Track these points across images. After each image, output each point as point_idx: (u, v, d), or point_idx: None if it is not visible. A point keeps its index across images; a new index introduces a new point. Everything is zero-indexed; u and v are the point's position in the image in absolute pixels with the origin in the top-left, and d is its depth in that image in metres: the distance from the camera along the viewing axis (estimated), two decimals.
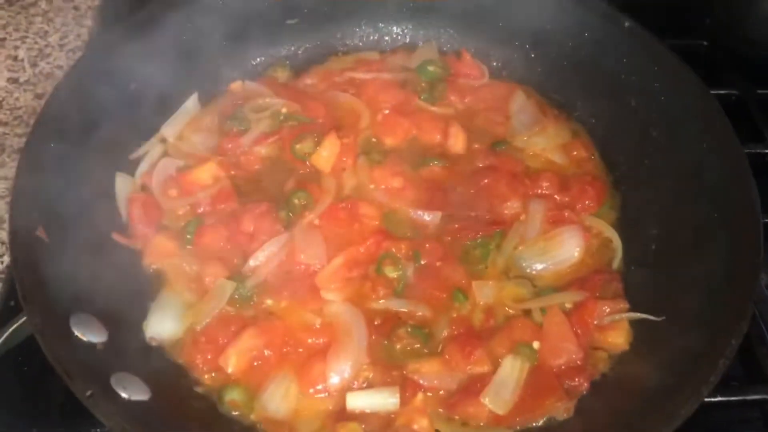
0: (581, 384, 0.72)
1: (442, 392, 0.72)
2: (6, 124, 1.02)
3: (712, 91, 1.09)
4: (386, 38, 1.09)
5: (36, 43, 1.15)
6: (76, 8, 1.22)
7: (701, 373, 0.60)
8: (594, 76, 0.97)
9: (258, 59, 1.05)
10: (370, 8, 1.07)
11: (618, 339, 0.75)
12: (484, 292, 0.80)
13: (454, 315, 0.78)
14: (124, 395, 0.60)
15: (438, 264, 0.82)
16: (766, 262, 0.92)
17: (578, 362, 0.73)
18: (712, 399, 0.76)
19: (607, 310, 0.76)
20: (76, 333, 0.64)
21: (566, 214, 0.87)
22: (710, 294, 0.70)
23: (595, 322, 0.76)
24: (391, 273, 0.80)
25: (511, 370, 0.72)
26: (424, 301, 0.79)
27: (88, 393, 0.56)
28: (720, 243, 0.73)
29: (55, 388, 0.72)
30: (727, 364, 0.60)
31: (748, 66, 1.15)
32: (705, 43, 1.20)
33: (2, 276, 0.86)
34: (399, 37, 1.09)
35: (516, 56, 1.04)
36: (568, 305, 0.78)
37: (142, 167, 0.89)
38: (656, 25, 1.06)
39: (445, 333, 0.76)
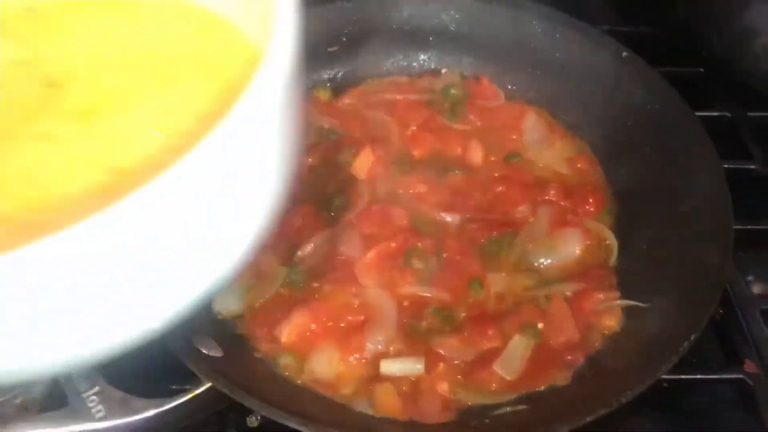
0: (578, 358, 0.84)
1: (460, 363, 0.84)
2: None
3: (706, 113, 1.23)
4: (414, 64, 1.24)
5: None
6: None
7: (668, 352, 0.73)
8: (596, 99, 1.10)
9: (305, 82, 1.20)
10: (401, 38, 1.23)
11: (610, 322, 0.88)
12: (497, 282, 0.93)
13: (471, 300, 0.91)
14: (203, 350, 0.75)
15: (458, 258, 0.95)
16: (754, 264, 1.06)
17: (576, 340, 0.86)
18: (693, 376, 0.89)
19: (602, 298, 0.89)
20: None
21: (569, 217, 1.00)
22: (686, 287, 0.83)
23: (591, 308, 0.89)
24: (417, 265, 0.94)
25: (519, 345, 0.85)
26: (445, 288, 0.92)
27: (178, 345, 0.71)
28: (698, 246, 0.86)
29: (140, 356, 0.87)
30: (688, 346, 0.73)
31: (741, 92, 1.28)
32: (701, 70, 1.33)
33: None
34: (425, 63, 1.24)
35: (528, 81, 1.18)
36: (568, 293, 0.91)
37: None
38: (657, 54, 1.21)
39: (463, 315, 0.89)
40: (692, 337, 0.73)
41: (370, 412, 0.80)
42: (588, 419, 0.67)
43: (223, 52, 0.59)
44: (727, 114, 1.23)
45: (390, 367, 0.83)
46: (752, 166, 1.15)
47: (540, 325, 0.87)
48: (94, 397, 0.69)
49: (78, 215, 0.35)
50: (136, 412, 0.69)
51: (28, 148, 0.50)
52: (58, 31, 0.60)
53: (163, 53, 0.59)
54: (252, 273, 0.92)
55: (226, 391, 0.67)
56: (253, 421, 0.87)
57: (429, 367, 0.84)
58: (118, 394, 0.70)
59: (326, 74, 1.21)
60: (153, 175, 0.37)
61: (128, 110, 0.54)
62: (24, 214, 0.45)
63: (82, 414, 0.69)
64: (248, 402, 0.67)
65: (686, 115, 0.98)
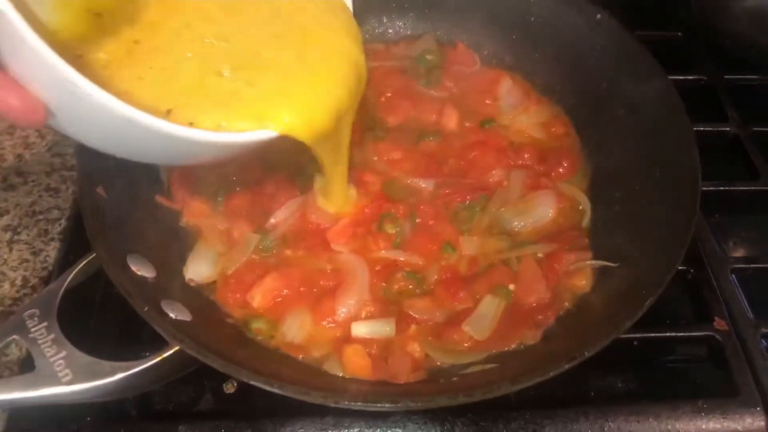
0: (548, 317, 0.85)
1: (431, 324, 0.85)
2: None
3: (683, 77, 1.23)
4: (390, 31, 1.23)
5: None
6: None
7: (632, 309, 0.73)
8: (571, 63, 1.10)
9: None
10: (376, 5, 1.21)
11: (581, 282, 0.88)
12: (470, 245, 0.93)
13: (443, 263, 0.92)
14: (171, 315, 0.75)
15: (431, 222, 0.95)
16: (727, 225, 1.07)
17: (546, 301, 0.86)
18: (663, 334, 0.90)
19: (573, 258, 0.89)
20: (132, 268, 0.79)
21: (543, 181, 1.00)
22: (654, 247, 0.83)
23: (563, 269, 0.89)
24: (390, 230, 0.94)
25: (490, 306, 0.85)
26: (418, 252, 0.92)
27: (145, 308, 0.71)
28: (666, 205, 0.86)
29: (111, 322, 0.89)
30: (651, 302, 0.73)
31: (719, 55, 1.28)
32: (680, 34, 1.33)
33: (61, 236, 1.02)
34: (401, 30, 1.23)
35: (504, 47, 1.17)
36: (540, 255, 0.91)
37: None
38: (636, 17, 1.20)
39: (435, 277, 0.90)
40: (656, 294, 0.73)
41: (340, 373, 0.80)
42: (551, 374, 0.68)
43: None
44: (704, 77, 1.23)
45: (361, 329, 0.84)
46: (728, 128, 1.15)
47: (511, 286, 0.88)
48: (60, 362, 0.69)
49: None
50: (103, 376, 0.69)
51: None
52: None
53: None
54: (223, 240, 0.93)
55: (192, 352, 0.67)
56: (229, 388, 0.89)
57: (400, 329, 0.84)
58: (86, 358, 0.71)
59: None
60: None
61: None
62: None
63: (50, 378, 0.69)
64: (215, 363, 0.67)
65: (659, 78, 0.97)
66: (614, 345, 0.87)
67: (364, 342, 0.83)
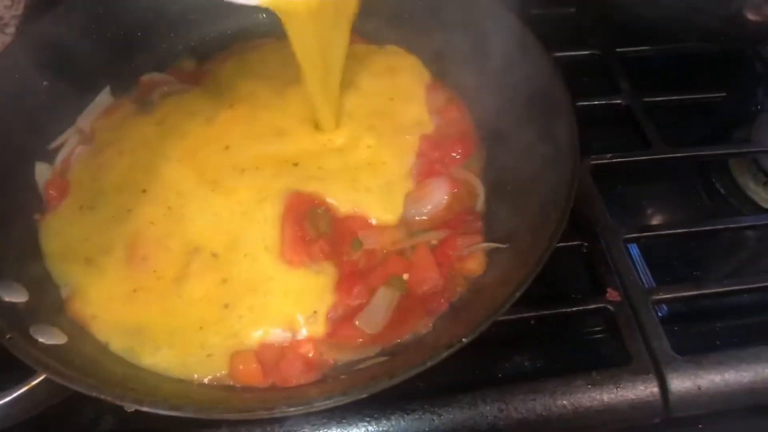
0: (442, 304, 0.85)
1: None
2: None
3: (577, 52, 1.24)
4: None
5: None
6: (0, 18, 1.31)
7: (512, 287, 0.73)
8: (462, 46, 1.09)
9: (165, 52, 1.15)
10: None
11: (473, 266, 0.88)
12: (370, 240, 0.92)
13: (345, 259, 0.90)
14: (41, 340, 0.72)
15: None
16: (619, 197, 1.08)
17: (439, 287, 0.86)
18: (559, 310, 0.90)
19: (465, 242, 0.89)
20: (1, 294, 0.75)
21: (437, 167, 0.99)
22: (538, 223, 0.83)
23: (456, 254, 0.89)
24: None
25: (383, 299, 0.85)
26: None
27: (8, 336, 0.67)
28: (550, 179, 0.86)
29: None
30: (531, 278, 0.74)
31: (610, 29, 1.29)
32: (573, 10, 1.34)
33: None
34: None
35: (394, 31, 1.16)
36: (434, 242, 0.91)
37: (62, 155, 1.00)
38: None
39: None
40: (534, 273, 0.74)
41: (231, 383, 0.78)
42: (429, 364, 0.67)
43: None
44: (597, 52, 1.25)
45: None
46: (620, 101, 1.16)
47: (405, 276, 0.87)
48: None
49: None
50: None
51: None
52: None
53: None
54: None
55: (56, 378, 0.64)
56: (129, 407, 0.85)
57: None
58: None
59: (191, 42, 1.17)
60: None
61: None
62: None
63: None
64: (85, 389, 0.64)
65: (541, 56, 0.97)
66: (516, 324, 0.89)
67: (257, 350, 0.81)
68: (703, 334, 0.95)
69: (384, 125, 1.02)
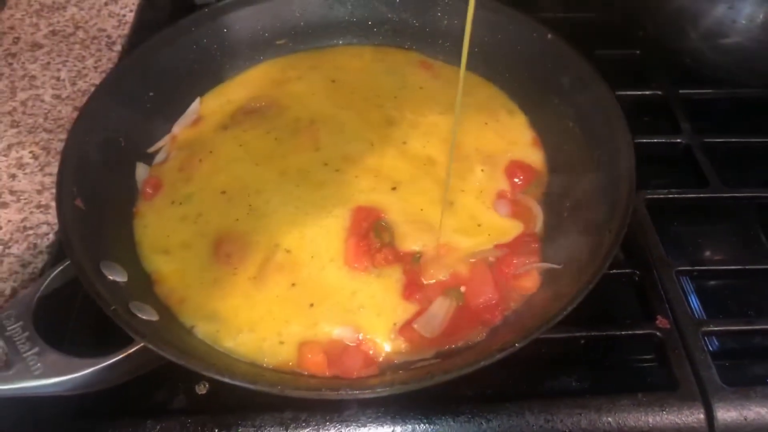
0: (496, 317, 0.90)
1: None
2: (51, 131, 1.26)
3: (641, 92, 1.29)
4: None
5: (75, 65, 1.39)
6: (108, 36, 1.47)
7: (564, 302, 0.78)
8: (528, 82, 1.17)
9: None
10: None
11: (528, 283, 0.93)
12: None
13: (408, 268, 0.96)
14: (139, 314, 0.81)
15: None
16: (678, 231, 1.11)
17: (494, 302, 0.92)
18: (609, 333, 0.94)
19: (521, 262, 0.95)
20: (105, 273, 0.85)
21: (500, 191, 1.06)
22: (593, 250, 0.88)
23: (512, 272, 0.95)
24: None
25: (441, 306, 0.91)
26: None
27: (112, 308, 0.77)
28: (605, 214, 0.91)
29: (87, 324, 0.95)
30: (583, 294, 0.78)
31: (674, 71, 1.34)
32: (638, 52, 1.39)
33: (50, 250, 1.09)
34: None
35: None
36: (491, 259, 0.97)
37: (158, 158, 1.12)
38: (599, 38, 1.27)
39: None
40: (583, 293, 0.78)
41: (297, 369, 0.85)
42: (482, 364, 0.73)
43: None
44: (659, 92, 1.29)
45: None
46: (680, 140, 1.20)
47: (462, 289, 0.93)
48: (33, 357, 0.76)
49: None
50: (72, 371, 0.75)
51: None
52: None
53: None
54: None
55: (152, 346, 0.73)
56: (201, 389, 0.94)
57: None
58: (57, 354, 0.77)
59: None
60: None
61: None
62: None
63: (23, 372, 0.75)
64: (172, 355, 0.73)
65: (603, 90, 1.03)
66: (564, 344, 0.94)
67: (325, 342, 0.88)
68: (751, 369, 0.97)
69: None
